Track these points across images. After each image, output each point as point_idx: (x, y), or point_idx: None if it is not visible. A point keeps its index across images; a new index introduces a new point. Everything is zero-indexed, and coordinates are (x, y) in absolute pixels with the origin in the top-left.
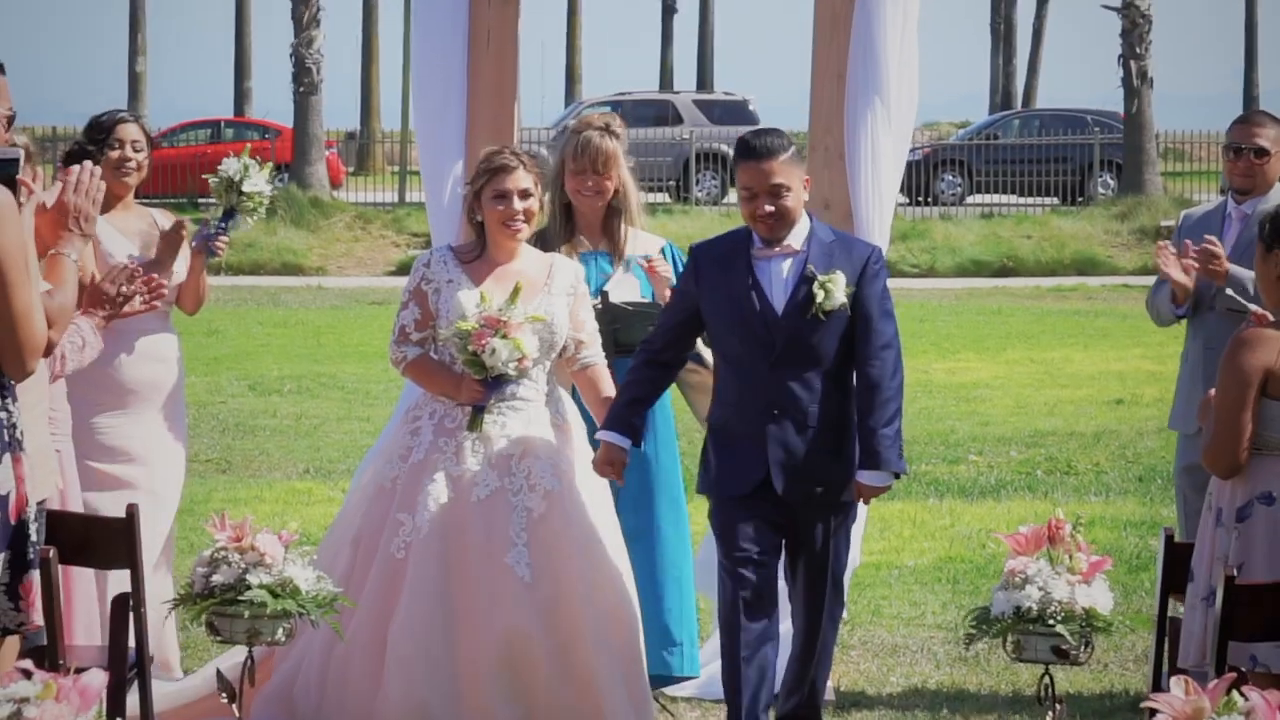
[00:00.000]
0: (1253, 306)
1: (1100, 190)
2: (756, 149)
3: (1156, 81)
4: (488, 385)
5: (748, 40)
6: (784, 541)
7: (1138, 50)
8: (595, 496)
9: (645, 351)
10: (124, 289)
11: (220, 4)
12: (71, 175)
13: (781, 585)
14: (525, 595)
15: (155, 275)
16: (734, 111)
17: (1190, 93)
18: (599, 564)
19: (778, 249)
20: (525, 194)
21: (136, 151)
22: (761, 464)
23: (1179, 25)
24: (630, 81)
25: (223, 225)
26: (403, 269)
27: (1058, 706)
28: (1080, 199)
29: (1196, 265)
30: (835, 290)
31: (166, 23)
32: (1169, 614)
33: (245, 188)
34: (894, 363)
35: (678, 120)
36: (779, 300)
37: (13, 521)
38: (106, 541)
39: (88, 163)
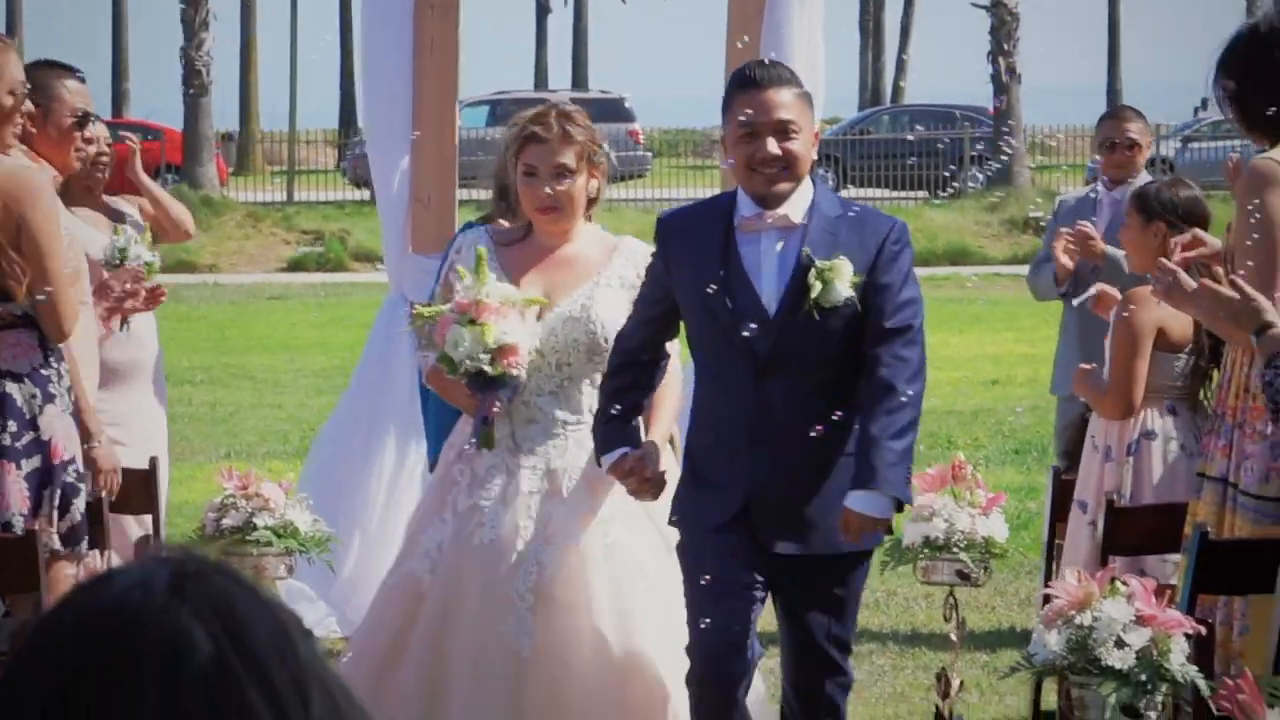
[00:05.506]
0: (1101, 286)
1: (970, 184)
2: (758, 77)
3: (1024, 77)
4: (476, 390)
5: (620, 40)
6: (768, 595)
7: (1005, 47)
8: (637, 550)
9: (622, 354)
10: (128, 287)
11: (98, 7)
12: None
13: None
14: (522, 675)
15: (159, 285)
16: (610, 109)
17: (1056, 87)
18: (626, 638)
19: (770, 220)
20: (561, 172)
21: (108, 146)
22: (739, 495)
23: (1045, 22)
24: (505, 81)
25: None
26: (295, 265)
27: (962, 624)
28: (950, 191)
29: (1074, 247)
30: (836, 282)
31: (44, 25)
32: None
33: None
34: (916, 366)
35: None
36: (770, 293)
37: (55, 462)
38: (131, 490)
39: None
